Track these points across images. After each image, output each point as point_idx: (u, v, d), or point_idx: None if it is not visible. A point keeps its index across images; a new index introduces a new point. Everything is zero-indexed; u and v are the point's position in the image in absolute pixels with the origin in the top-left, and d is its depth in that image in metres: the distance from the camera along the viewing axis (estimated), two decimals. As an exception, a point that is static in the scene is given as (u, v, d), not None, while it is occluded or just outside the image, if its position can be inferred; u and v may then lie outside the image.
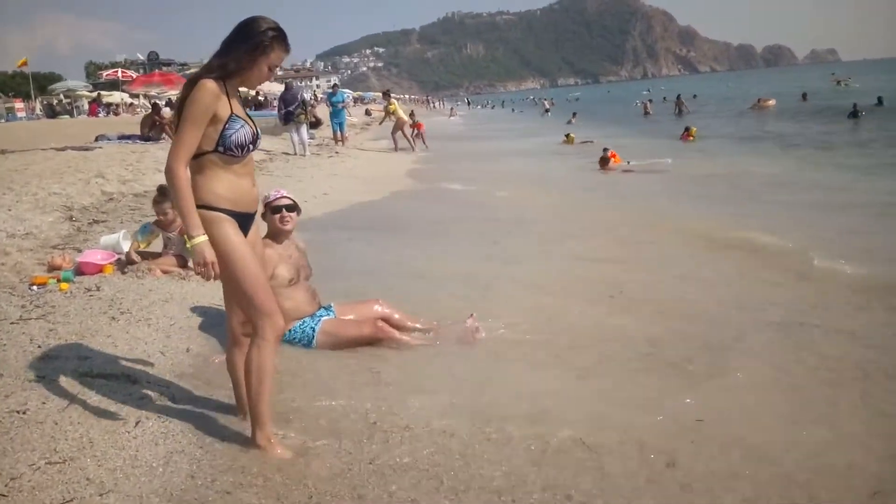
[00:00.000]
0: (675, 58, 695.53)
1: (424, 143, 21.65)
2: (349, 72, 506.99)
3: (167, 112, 19.14)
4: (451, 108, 64.79)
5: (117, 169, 11.14)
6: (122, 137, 18.48)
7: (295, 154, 16.57)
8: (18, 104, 46.41)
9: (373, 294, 5.62)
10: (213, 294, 5.25)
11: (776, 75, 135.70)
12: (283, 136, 18.28)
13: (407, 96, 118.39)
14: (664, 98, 54.10)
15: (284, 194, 4.57)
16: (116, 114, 40.06)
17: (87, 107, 41.60)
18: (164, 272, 5.60)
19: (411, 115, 23.67)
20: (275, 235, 4.47)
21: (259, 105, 48.84)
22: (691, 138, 21.13)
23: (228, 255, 2.87)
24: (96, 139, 18.28)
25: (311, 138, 21.61)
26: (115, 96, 52.62)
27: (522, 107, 75.92)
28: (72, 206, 8.51)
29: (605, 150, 15.74)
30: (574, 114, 38.31)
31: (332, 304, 4.68)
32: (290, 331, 4.37)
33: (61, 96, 45.80)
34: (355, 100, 68.53)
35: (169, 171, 2.77)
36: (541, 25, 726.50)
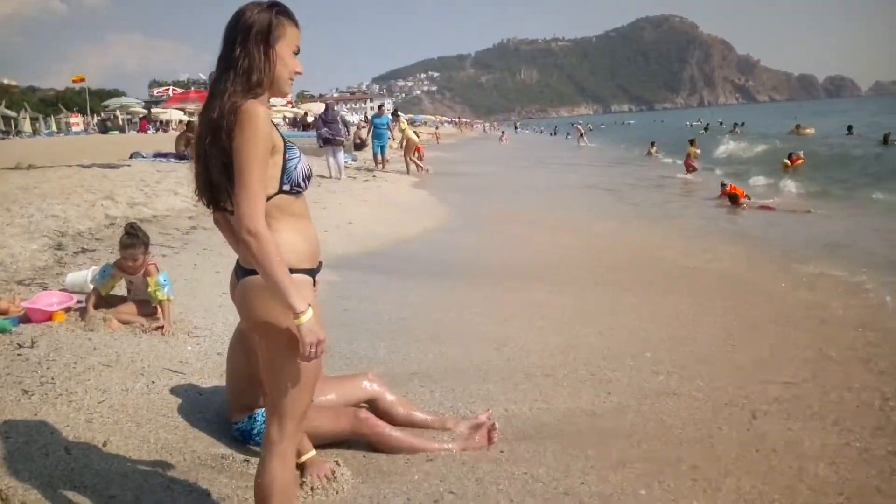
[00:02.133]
0: (733, 86, 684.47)
1: (421, 166, 20.16)
2: (403, 95, 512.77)
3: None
4: (503, 133, 63.99)
5: (131, 190, 10.41)
6: (158, 155, 18.02)
7: (330, 177, 15.77)
8: (74, 119, 47.46)
9: (376, 358, 4.59)
10: (172, 354, 4.27)
11: (838, 106, 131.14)
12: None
13: (443, 119, 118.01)
14: (720, 122, 55.55)
15: None
16: (166, 130, 40.33)
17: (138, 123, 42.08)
18: (123, 322, 4.65)
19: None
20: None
21: (307, 126, 48.90)
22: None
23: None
24: (131, 156, 17.87)
25: (353, 160, 20.97)
26: (170, 113, 53.48)
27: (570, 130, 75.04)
28: (66, 231, 7.71)
29: (724, 184, 14.47)
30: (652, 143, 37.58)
31: (309, 380, 3.62)
32: (246, 419, 3.36)
33: (116, 112, 46.55)
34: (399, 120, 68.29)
35: (254, 237, 2.06)
36: (596, 52, 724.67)
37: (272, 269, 2.08)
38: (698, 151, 22.44)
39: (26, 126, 47.70)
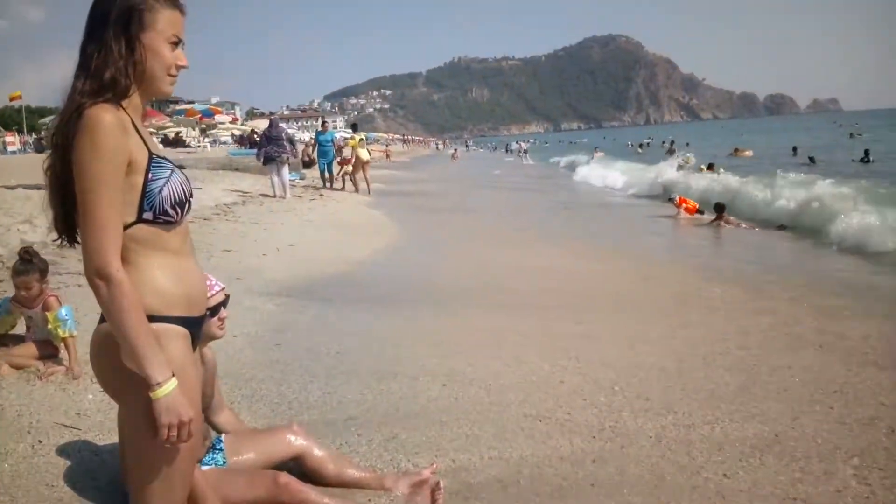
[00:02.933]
0: (678, 105, 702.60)
1: (351, 182, 19.44)
2: (356, 113, 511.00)
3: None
4: (454, 150, 64.26)
5: (55, 212, 9.66)
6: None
7: (274, 196, 15.16)
8: (10, 138, 45.52)
9: (307, 402, 4.10)
10: (68, 405, 3.70)
11: (779, 124, 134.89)
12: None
13: (394, 137, 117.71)
14: (662, 143, 57.00)
15: (217, 283, 3.05)
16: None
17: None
18: (17, 367, 4.04)
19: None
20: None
21: (254, 143, 47.85)
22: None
23: None
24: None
25: (301, 178, 20.33)
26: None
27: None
28: (-29, 259, 7.01)
29: (672, 198, 15.06)
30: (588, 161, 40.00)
31: (222, 438, 3.11)
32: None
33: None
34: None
35: (102, 279, 1.66)
36: (546, 71, 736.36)
37: (123, 323, 1.64)
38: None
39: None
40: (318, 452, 3.16)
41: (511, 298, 7.30)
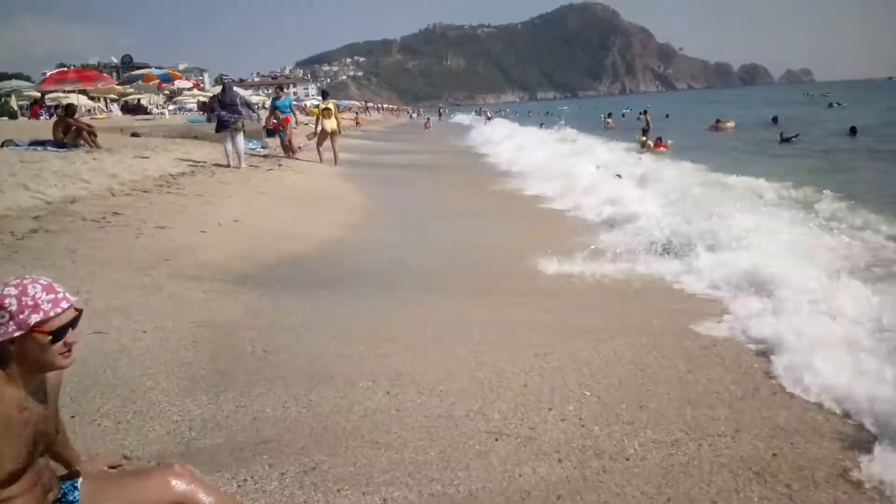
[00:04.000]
0: (654, 74, 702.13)
1: (290, 147, 18.22)
2: (328, 80, 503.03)
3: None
4: (428, 120, 63.06)
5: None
6: (35, 143, 15.97)
7: (228, 166, 14.21)
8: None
9: (213, 420, 3.38)
10: None
11: (755, 93, 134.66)
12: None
13: (366, 105, 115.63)
14: (638, 115, 53.42)
15: (66, 297, 2.17)
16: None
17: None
18: None
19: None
20: (26, 372, 2.11)
21: (138, 109, 46.06)
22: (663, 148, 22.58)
23: None
24: (2, 144, 15.80)
25: (262, 147, 19.27)
26: (73, 98, 49.66)
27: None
28: None
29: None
30: (542, 124, 39.20)
31: (79, 483, 2.36)
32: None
33: (11, 97, 42.85)
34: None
35: None
36: (522, 39, 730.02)
37: None
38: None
39: None
40: (205, 499, 2.43)
41: (479, 281, 6.60)
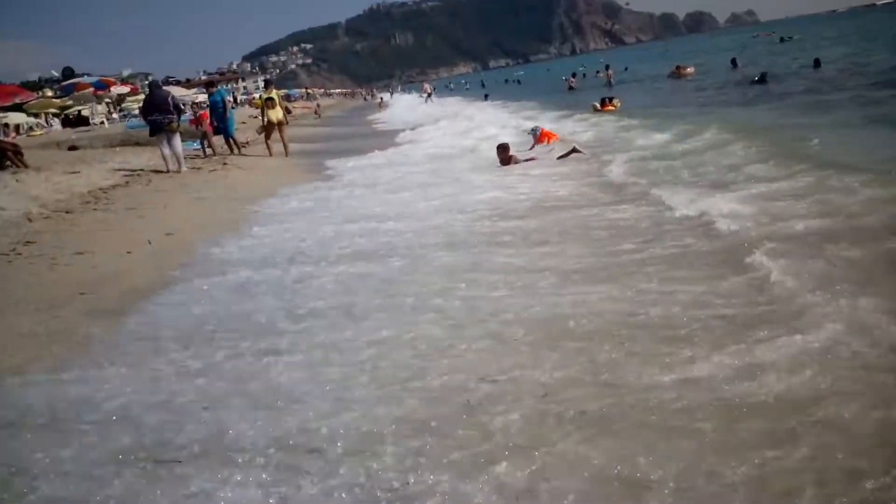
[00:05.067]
0: (602, 32, 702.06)
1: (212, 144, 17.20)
2: (277, 71, 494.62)
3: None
4: (381, 99, 62.18)
5: None
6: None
7: (167, 171, 13.16)
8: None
9: None
10: None
11: (702, 41, 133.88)
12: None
13: (320, 90, 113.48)
14: (597, 72, 51.71)
15: None
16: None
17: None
18: None
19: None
20: None
21: (80, 121, 44.27)
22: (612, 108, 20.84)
23: None
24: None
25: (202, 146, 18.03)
26: (13, 117, 47.45)
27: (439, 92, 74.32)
28: None
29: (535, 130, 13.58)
30: (486, 96, 38.35)
31: None
32: None
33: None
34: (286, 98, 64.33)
35: None
36: (467, 10, 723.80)
37: None
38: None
39: None
40: None
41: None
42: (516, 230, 6.36)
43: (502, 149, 11.43)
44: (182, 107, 14.39)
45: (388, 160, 14.69)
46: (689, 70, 33.54)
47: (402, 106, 49.91)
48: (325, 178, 12.34)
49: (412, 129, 22.25)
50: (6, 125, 40.60)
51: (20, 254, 6.69)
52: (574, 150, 11.28)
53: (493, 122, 20.73)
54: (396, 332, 4.05)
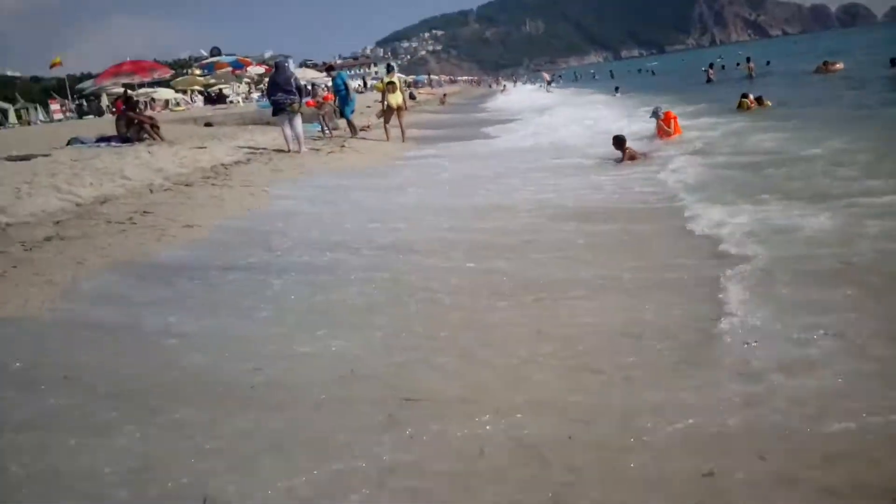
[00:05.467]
0: (745, 22, 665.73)
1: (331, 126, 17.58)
2: (408, 57, 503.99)
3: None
4: (503, 86, 62.38)
5: (6, 189, 8.23)
6: (101, 139, 15.83)
7: (288, 151, 13.48)
8: (54, 105, 45.28)
9: None
10: None
11: (857, 36, 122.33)
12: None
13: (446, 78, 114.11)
14: (737, 64, 48.62)
15: None
16: (142, 110, 38.02)
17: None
18: None
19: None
20: None
21: (220, 99, 46.09)
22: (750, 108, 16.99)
23: None
24: (68, 142, 15.70)
25: (333, 128, 18.42)
26: (162, 93, 50.93)
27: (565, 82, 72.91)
28: None
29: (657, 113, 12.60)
30: (617, 88, 34.92)
31: None
32: None
33: (102, 95, 44.18)
34: (411, 85, 65.47)
35: None
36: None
37: None
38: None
39: (11, 117, 45.89)
40: None
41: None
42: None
43: (618, 142, 10.76)
44: (305, 88, 14.67)
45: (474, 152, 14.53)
46: (838, 66, 30.88)
47: (520, 96, 49.45)
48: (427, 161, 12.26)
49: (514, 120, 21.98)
50: (153, 100, 43.73)
51: (135, 223, 6.94)
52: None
53: (606, 116, 19.67)
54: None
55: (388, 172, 11.22)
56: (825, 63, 31.43)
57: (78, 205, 7.70)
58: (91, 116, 35.65)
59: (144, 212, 7.40)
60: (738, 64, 47.62)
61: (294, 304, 4.56)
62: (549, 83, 56.59)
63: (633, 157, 10.32)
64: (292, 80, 13.76)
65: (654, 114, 12.66)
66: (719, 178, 8.02)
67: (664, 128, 12.33)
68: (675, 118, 12.50)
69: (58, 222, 6.87)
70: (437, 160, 12.82)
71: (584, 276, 4.75)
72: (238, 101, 44.58)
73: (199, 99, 49.53)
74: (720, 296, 4.04)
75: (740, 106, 17.14)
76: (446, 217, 7.12)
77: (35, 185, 8.47)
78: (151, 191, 8.68)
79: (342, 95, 16.83)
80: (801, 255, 4.65)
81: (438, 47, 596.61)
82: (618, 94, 33.17)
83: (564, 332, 3.81)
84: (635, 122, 15.33)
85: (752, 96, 17.50)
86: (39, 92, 63.82)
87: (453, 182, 9.83)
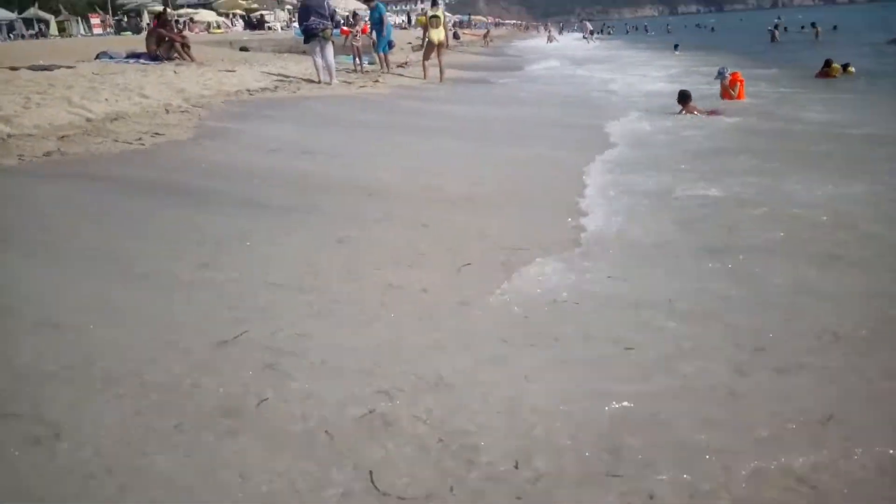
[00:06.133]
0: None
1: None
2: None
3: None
4: (549, 35, 60.58)
5: (17, 98, 7.87)
6: (131, 56, 15.42)
7: (319, 82, 12.94)
8: (95, 20, 44.92)
9: None
10: None
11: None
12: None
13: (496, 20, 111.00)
14: (802, 27, 46.15)
15: None
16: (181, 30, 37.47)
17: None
18: None
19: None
20: None
21: (260, 24, 45.15)
22: (834, 76, 15.61)
23: None
24: (97, 57, 15.31)
25: (370, 62, 17.76)
26: (203, 14, 50.24)
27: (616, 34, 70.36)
28: None
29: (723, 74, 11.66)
30: (676, 45, 32.62)
31: None
32: None
33: (143, 11, 43.71)
34: (456, 24, 63.70)
35: None
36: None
37: None
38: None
39: (52, 29, 45.73)
40: None
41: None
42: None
43: (682, 97, 10.19)
44: (348, 18, 13.99)
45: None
46: None
47: (562, 44, 47.85)
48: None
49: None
50: (192, 20, 43.14)
51: (143, 144, 6.56)
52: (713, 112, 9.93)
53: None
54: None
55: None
56: None
57: (88, 119, 7.33)
58: (129, 33, 35.18)
59: (155, 133, 7.01)
60: (802, 27, 45.27)
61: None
62: (591, 33, 54.57)
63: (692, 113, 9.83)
64: (325, 3, 13.07)
65: (720, 74, 11.81)
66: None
67: (729, 90, 11.51)
68: (741, 82, 11.63)
69: (62, 137, 6.50)
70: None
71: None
72: (277, 28, 43.80)
73: (240, 23, 48.78)
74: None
75: (826, 73, 15.48)
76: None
77: (48, 96, 8.10)
78: (167, 111, 8.26)
79: (378, 30, 16.11)
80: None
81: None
82: (677, 52, 30.31)
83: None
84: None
85: (835, 63, 15.97)
86: (85, 5, 63.75)
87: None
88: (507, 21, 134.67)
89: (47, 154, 5.87)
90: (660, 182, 5.54)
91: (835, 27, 44.35)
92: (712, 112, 9.93)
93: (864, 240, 4.05)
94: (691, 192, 5.17)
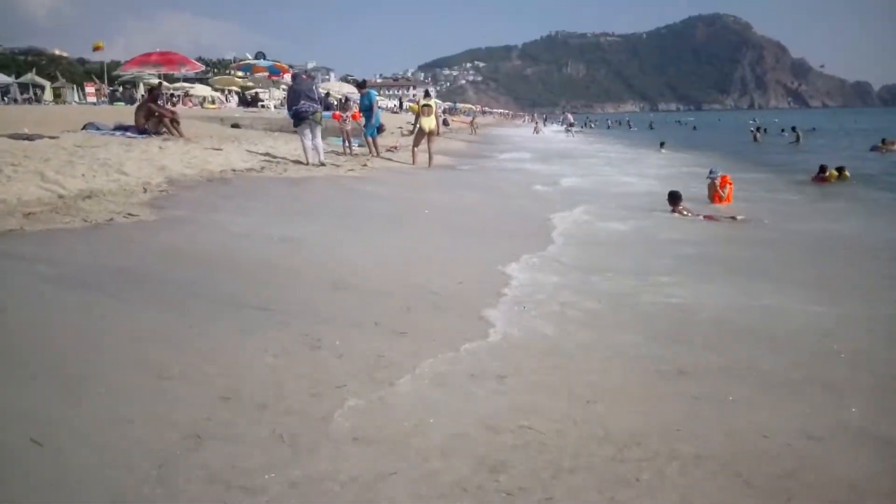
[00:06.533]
0: (786, 90, 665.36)
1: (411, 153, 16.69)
2: (448, 83, 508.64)
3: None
4: (536, 125, 62.23)
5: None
6: (119, 128, 15.23)
7: (307, 163, 12.78)
8: (89, 88, 45.39)
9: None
10: None
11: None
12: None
13: (483, 109, 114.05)
14: (782, 130, 47.55)
15: None
16: (174, 104, 37.80)
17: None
18: None
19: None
20: None
21: (254, 102, 45.78)
22: (830, 181, 15.77)
23: None
24: (83, 127, 15.12)
25: (359, 145, 17.77)
26: (199, 89, 50.90)
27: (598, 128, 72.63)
28: None
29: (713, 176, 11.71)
30: (662, 143, 33.00)
31: None
32: None
33: (139, 83, 44.13)
34: (445, 111, 65.23)
35: None
36: (646, 49, 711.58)
37: None
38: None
39: (47, 95, 46.09)
40: None
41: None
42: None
43: (673, 198, 10.16)
44: (339, 101, 14.02)
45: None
46: None
47: (544, 137, 48.65)
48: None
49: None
50: (187, 94, 43.65)
51: (111, 224, 6.20)
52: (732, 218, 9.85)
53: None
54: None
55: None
56: (884, 141, 30.40)
57: (60, 196, 6.98)
58: (122, 103, 35.38)
59: (129, 214, 6.66)
60: (782, 130, 46.59)
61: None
62: (571, 125, 56.28)
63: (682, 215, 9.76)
64: (314, 87, 13.11)
65: (711, 175, 11.82)
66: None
67: (718, 191, 11.50)
68: (730, 184, 11.65)
69: (28, 214, 6.14)
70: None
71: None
72: (270, 107, 44.39)
73: (235, 99, 49.44)
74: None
75: (823, 178, 15.73)
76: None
77: (21, 169, 7.77)
78: (145, 190, 7.95)
79: (368, 115, 16.19)
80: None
81: (479, 78, 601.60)
82: (663, 151, 29.82)
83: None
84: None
85: (831, 169, 16.13)
86: (82, 74, 64.78)
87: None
88: (494, 110, 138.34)
89: (7, 232, 5.49)
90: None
91: (813, 129, 45.90)
92: (708, 217, 9.84)
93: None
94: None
